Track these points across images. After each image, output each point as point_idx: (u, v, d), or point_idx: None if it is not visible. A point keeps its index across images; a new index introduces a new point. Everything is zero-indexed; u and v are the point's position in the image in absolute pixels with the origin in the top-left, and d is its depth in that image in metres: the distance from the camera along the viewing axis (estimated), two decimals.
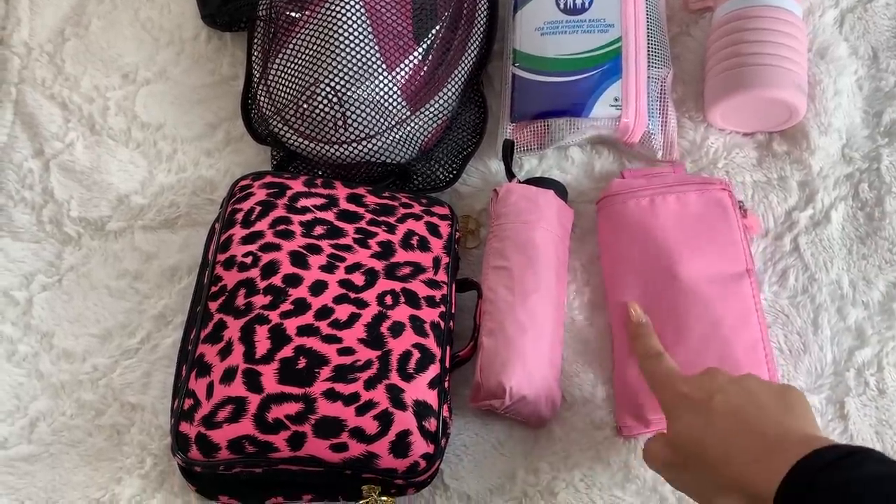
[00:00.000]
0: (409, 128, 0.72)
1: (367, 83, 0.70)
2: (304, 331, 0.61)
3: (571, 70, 0.72)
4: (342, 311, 0.62)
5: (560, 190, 0.72)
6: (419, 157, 0.74)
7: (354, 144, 0.71)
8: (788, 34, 0.70)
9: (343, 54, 0.69)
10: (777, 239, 0.71)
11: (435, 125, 0.73)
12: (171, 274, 0.74)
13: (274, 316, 0.61)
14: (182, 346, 0.66)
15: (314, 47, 0.70)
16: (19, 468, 0.67)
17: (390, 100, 0.71)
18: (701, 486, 0.52)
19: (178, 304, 0.72)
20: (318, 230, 0.67)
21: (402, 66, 0.71)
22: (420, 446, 0.59)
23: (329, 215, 0.68)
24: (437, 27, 0.73)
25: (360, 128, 0.70)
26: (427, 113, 0.72)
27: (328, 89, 0.69)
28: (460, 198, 0.76)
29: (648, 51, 0.73)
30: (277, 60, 0.72)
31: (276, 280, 0.63)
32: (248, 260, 0.64)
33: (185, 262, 0.74)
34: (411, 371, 0.61)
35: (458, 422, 0.67)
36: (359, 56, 0.70)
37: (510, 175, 0.72)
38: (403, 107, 0.71)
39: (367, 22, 0.70)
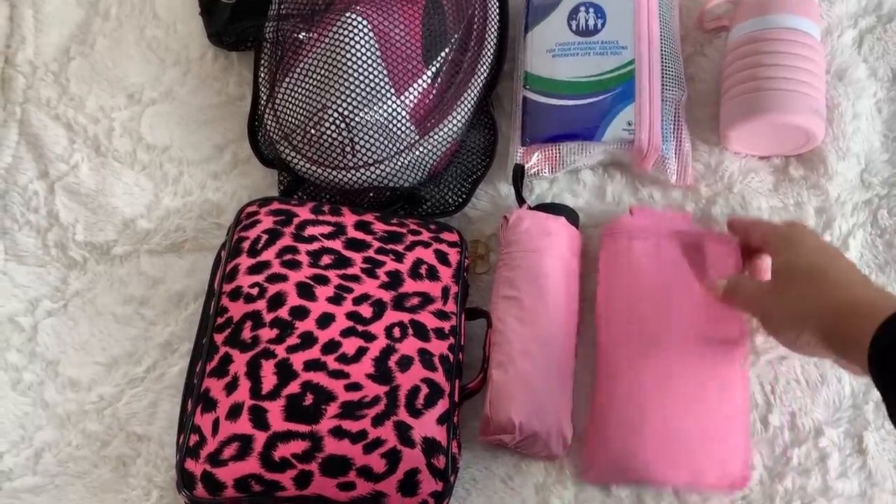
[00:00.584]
0: (417, 152, 0.71)
1: (375, 108, 0.69)
2: (311, 366, 0.60)
3: (584, 93, 0.71)
4: (350, 345, 0.61)
5: (571, 216, 0.70)
6: (428, 180, 0.73)
7: (363, 170, 0.70)
8: (806, 57, 0.68)
9: (351, 79, 0.68)
10: None
11: (444, 149, 0.72)
12: (178, 300, 0.73)
13: (280, 350, 0.60)
14: (188, 378, 0.65)
15: (322, 71, 0.69)
16: (25, 500, 0.66)
17: (399, 124, 0.70)
18: (802, 307, 0.57)
19: (185, 331, 0.72)
20: (326, 260, 0.66)
21: (411, 89, 0.70)
22: (429, 484, 0.58)
23: (337, 244, 0.67)
24: (447, 49, 0.72)
25: (369, 153, 0.69)
26: (436, 137, 0.71)
27: (336, 115, 0.68)
28: (470, 222, 0.75)
29: (662, 72, 0.71)
30: (285, 84, 0.71)
31: (283, 313, 0.62)
32: (255, 291, 0.63)
33: (191, 288, 0.73)
34: (420, 407, 0.60)
35: (466, 455, 0.66)
36: (367, 80, 0.68)
37: (520, 201, 0.71)
38: (412, 131, 0.70)
39: (376, 45, 0.69)
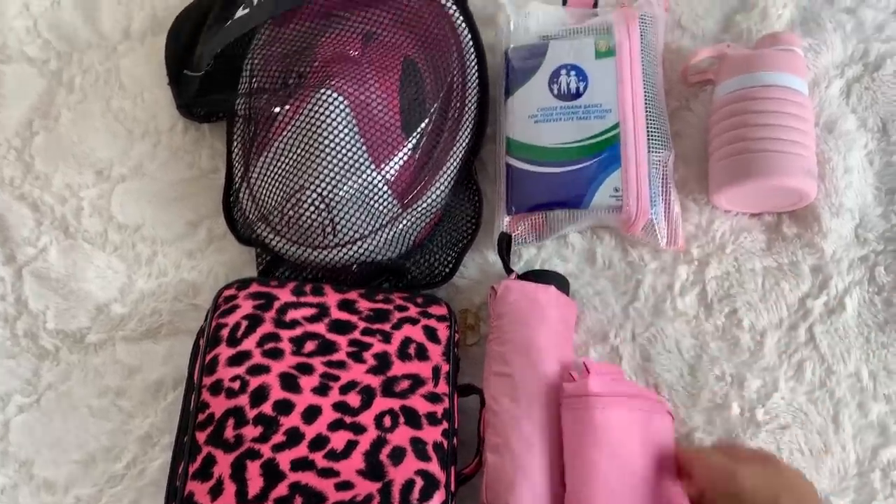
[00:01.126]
0: (401, 225, 0.68)
1: (354, 184, 0.66)
2: (299, 465, 0.57)
3: (568, 160, 0.69)
4: (338, 440, 0.59)
5: (561, 283, 0.68)
6: (413, 251, 0.71)
7: (345, 248, 0.67)
8: (795, 115, 0.67)
9: (329, 157, 0.66)
10: (791, 329, 0.68)
11: (428, 219, 0.70)
12: (156, 389, 0.70)
13: (266, 449, 0.58)
14: (170, 479, 0.62)
15: (298, 151, 0.67)
16: None
17: (380, 198, 0.67)
18: None
19: (165, 422, 0.69)
20: (310, 346, 0.63)
21: (392, 162, 0.68)
22: None
23: (320, 327, 0.64)
24: (427, 120, 0.69)
25: (351, 230, 0.67)
26: (419, 208, 0.69)
27: (314, 195, 0.66)
28: (458, 291, 0.72)
29: (648, 134, 0.69)
30: (260, 163, 0.69)
31: (267, 408, 0.59)
32: (236, 385, 0.60)
33: (169, 376, 0.70)
34: (415, 502, 0.57)
35: None
36: (345, 157, 0.66)
37: (508, 271, 0.68)
38: (394, 204, 0.68)
39: (353, 122, 0.67)
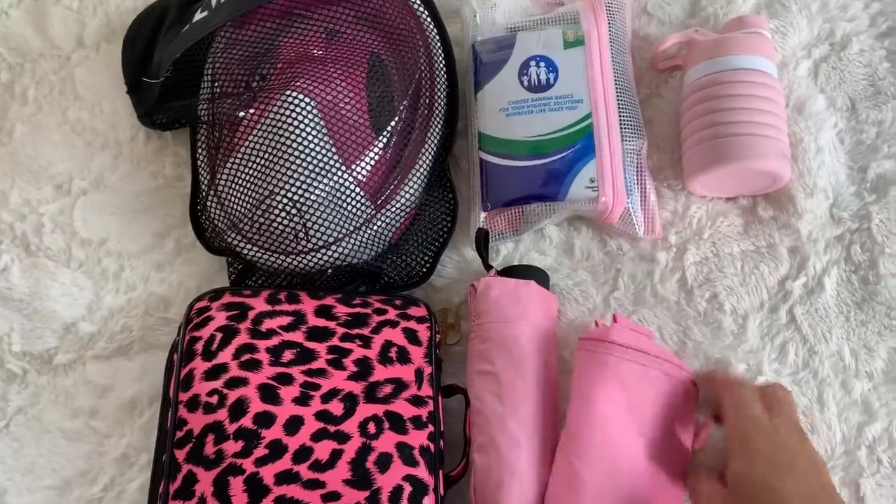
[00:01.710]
0: (375, 226, 0.67)
1: (325, 186, 0.64)
2: (283, 478, 0.56)
3: (542, 152, 0.68)
4: (322, 450, 0.57)
5: (541, 278, 0.68)
6: (388, 252, 0.69)
7: (319, 252, 0.65)
8: (765, 97, 0.66)
9: (298, 161, 0.64)
10: (772, 312, 0.68)
11: (402, 219, 0.68)
12: (131, 408, 0.68)
13: (248, 464, 0.56)
14: (150, 500, 0.60)
15: (265, 154, 0.65)
16: None
17: (352, 200, 0.66)
18: None
19: (142, 441, 0.67)
20: (288, 355, 0.61)
21: (363, 162, 0.66)
22: None
23: (298, 336, 0.63)
24: (396, 118, 0.68)
25: (324, 234, 0.65)
26: (393, 208, 0.67)
27: (285, 200, 0.64)
28: (436, 291, 0.71)
29: (621, 123, 0.69)
30: (227, 169, 0.67)
31: (247, 421, 0.57)
32: (214, 399, 0.58)
33: (144, 393, 0.68)
34: None
35: None
36: (315, 160, 0.64)
37: (487, 267, 0.67)
38: (367, 206, 0.66)
39: (321, 123, 0.65)
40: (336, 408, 0.59)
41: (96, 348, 0.70)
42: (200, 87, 0.70)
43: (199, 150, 0.70)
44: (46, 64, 0.79)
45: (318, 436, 0.58)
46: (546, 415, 0.63)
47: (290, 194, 0.64)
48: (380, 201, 0.67)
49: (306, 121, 0.64)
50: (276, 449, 0.57)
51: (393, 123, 0.68)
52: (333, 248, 0.66)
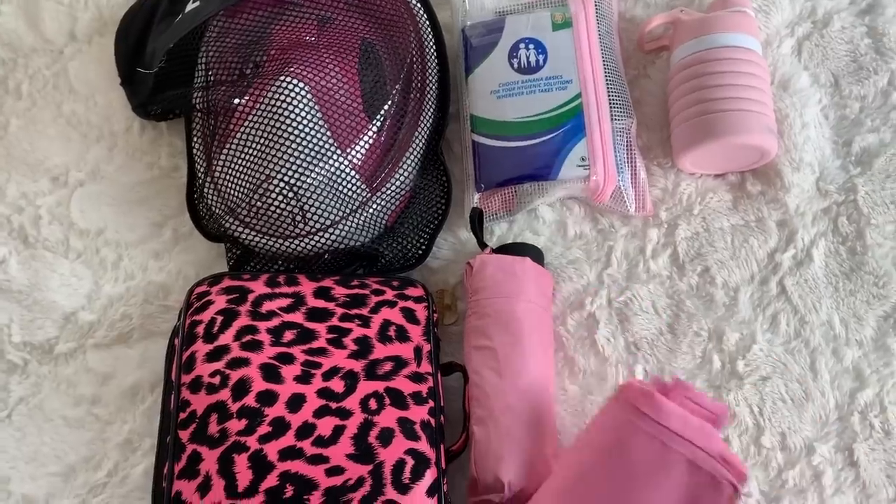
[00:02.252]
0: (371, 209, 0.68)
1: (321, 170, 0.65)
2: (287, 454, 0.56)
3: (534, 133, 0.69)
4: (325, 426, 0.58)
5: (536, 255, 0.69)
6: (385, 234, 0.70)
7: (317, 235, 0.66)
8: (751, 74, 0.68)
9: (294, 145, 0.65)
10: (763, 284, 0.69)
11: (397, 202, 0.70)
12: (133, 394, 0.69)
13: (252, 441, 0.57)
14: (155, 481, 0.61)
15: (262, 140, 0.66)
16: None
17: (348, 183, 0.67)
18: None
19: (144, 426, 0.67)
20: (288, 335, 0.62)
21: (358, 146, 0.67)
22: None
23: (297, 317, 0.63)
24: (389, 102, 0.69)
25: (321, 217, 0.66)
26: (388, 191, 0.68)
27: (282, 183, 0.65)
28: (432, 272, 0.72)
29: (610, 102, 0.70)
30: (223, 155, 0.67)
31: (250, 400, 0.58)
32: (216, 380, 0.59)
33: (146, 379, 0.69)
34: (407, 481, 0.57)
35: None
36: (310, 144, 0.65)
37: (482, 245, 0.68)
38: (363, 189, 0.67)
39: (316, 107, 0.66)
40: (337, 385, 0.60)
41: (96, 337, 0.70)
42: (194, 77, 0.71)
43: (195, 139, 0.71)
44: (39, 59, 0.80)
45: (320, 412, 0.58)
46: (544, 387, 0.64)
47: (286, 178, 0.65)
48: (375, 184, 0.68)
49: (301, 105, 0.65)
50: (280, 426, 0.57)
51: (386, 107, 0.69)
52: (330, 230, 0.67)
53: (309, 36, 0.70)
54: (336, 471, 0.56)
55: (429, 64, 0.72)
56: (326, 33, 0.70)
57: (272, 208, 0.65)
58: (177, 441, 0.58)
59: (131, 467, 0.66)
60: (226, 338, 0.61)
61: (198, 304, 0.63)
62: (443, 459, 0.60)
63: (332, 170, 0.66)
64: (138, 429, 0.67)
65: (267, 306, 0.63)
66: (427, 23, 0.72)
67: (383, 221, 0.69)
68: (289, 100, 0.65)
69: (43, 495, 0.65)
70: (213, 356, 0.60)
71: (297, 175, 0.65)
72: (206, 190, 0.69)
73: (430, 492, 0.57)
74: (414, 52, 0.71)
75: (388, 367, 0.62)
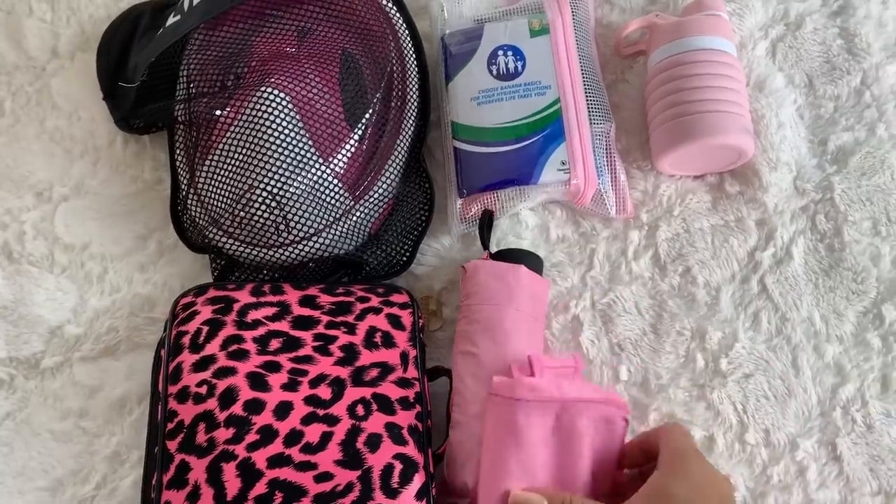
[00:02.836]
0: (355, 217, 0.68)
1: (304, 179, 0.66)
2: (276, 461, 0.57)
3: (514, 138, 0.70)
4: (313, 433, 0.58)
5: (534, 262, 0.68)
6: (368, 242, 0.71)
7: (300, 244, 0.67)
8: (727, 75, 0.69)
9: (276, 155, 0.65)
10: (744, 282, 0.70)
11: (380, 209, 0.70)
12: (120, 406, 0.69)
13: (240, 450, 0.57)
14: (144, 492, 0.61)
15: (243, 150, 0.66)
16: None
17: (331, 192, 0.67)
18: None
19: (132, 438, 0.67)
20: (274, 344, 0.62)
21: (340, 154, 0.68)
22: None
23: (283, 325, 0.64)
24: (371, 111, 0.70)
25: (304, 226, 0.66)
26: (371, 199, 0.69)
27: (265, 193, 0.65)
28: (417, 279, 0.73)
29: (589, 107, 0.71)
30: (206, 167, 0.68)
31: (237, 409, 0.58)
32: (203, 390, 0.59)
33: (133, 392, 0.69)
34: (395, 486, 0.57)
35: None
36: (292, 153, 0.66)
37: (485, 247, 0.69)
38: (345, 197, 0.68)
39: (297, 117, 0.66)
40: (324, 392, 0.60)
41: (83, 350, 0.70)
42: (176, 90, 0.71)
43: (178, 151, 0.72)
44: (22, 76, 0.80)
45: (307, 419, 0.59)
46: None
47: (269, 187, 0.65)
48: (358, 192, 0.69)
49: (282, 115, 0.66)
50: (267, 434, 0.58)
51: (367, 116, 0.70)
52: (314, 239, 0.67)
53: (289, 47, 0.71)
54: (325, 477, 0.56)
55: (409, 73, 0.73)
56: (306, 44, 0.71)
57: (255, 218, 0.66)
58: (165, 451, 0.58)
59: (119, 479, 0.66)
60: (212, 347, 0.61)
61: (183, 314, 0.64)
62: (431, 464, 0.60)
63: (315, 179, 0.66)
64: (126, 441, 0.67)
65: (252, 315, 0.64)
66: (406, 32, 0.73)
67: (367, 229, 0.70)
68: (270, 110, 0.66)
69: None
70: (199, 366, 0.60)
71: (279, 184, 0.65)
72: (189, 201, 0.69)
73: (419, 496, 0.58)
74: (394, 62, 0.72)
75: (374, 373, 0.62)
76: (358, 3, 0.72)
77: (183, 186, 0.70)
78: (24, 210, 0.75)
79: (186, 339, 0.62)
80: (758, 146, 0.72)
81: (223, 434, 0.57)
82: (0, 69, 0.80)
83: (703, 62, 0.69)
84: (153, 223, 0.75)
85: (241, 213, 0.66)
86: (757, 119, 0.73)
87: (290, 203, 0.66)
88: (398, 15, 0.73)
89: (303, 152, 0.66)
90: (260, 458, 0.57)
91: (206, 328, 0.62)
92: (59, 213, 0.75)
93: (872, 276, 0.69)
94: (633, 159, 0.74)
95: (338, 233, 0.68)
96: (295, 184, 0.66)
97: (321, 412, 0.59)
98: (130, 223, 0.75)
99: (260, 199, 0.65)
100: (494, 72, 0.72)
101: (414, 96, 0.72)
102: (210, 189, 0.68)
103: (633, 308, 0.70)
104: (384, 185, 0.70)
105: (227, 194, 0.66)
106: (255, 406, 0.59)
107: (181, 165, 0.71)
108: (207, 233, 0.68)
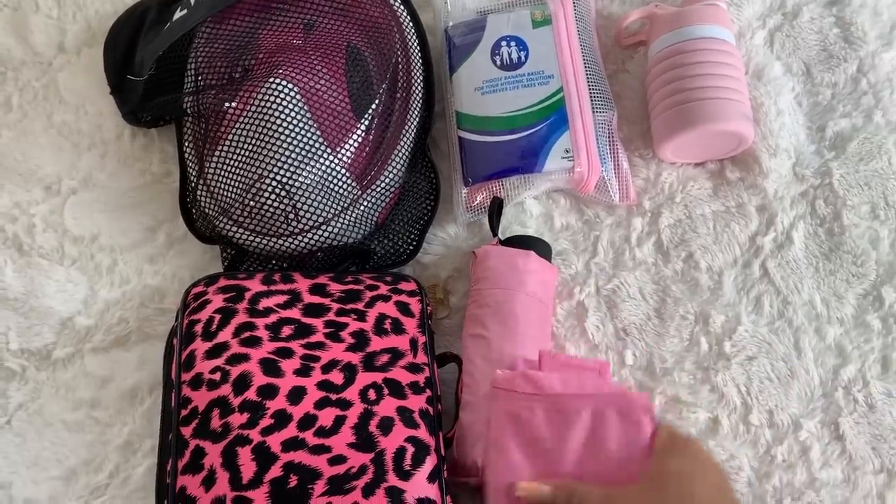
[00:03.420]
0: (362, 207, 0.69)
1: (313, 169, 0.67)
2: (290, 445, 0.57)
3: (518, 127, 0.71)
4: (326, 417, 0.59)
5: (543, 249, 0.69)
6: (375, 232, 0.72)
7: (309, 234, 0.68)
8: (726, 63, 0.70)
9: (285, 144, 0.66)
10: (746, 267, 0.71)
11: (387, 199, 0.71)
12: (132, 396, 0.69)
13: (255, 434, 0.58)
14: (159, 479, 0.61)
15: (253, 141, 0.67)
16: None
17: (339, 181, 0.68)
18: None
19: (144, 427, 0.68)
20: (286, 331, 0.63)
21: (347, 145, 0.69)
22: None
23: (294, 312, 0.64)
24: (377, 101, 0.71)
25: (313, 216, 0.67)
26: (378, 188, 0.70)
27: (274, 182, 0.66)
28: (424, 268, 0.74)
29: (591, 96, 0.72)
30: (215, 158, 0.69)
31: (251, 394, 0.59)
32: (217, 376, 0.60)
33: (144, 381, 0.70)
34: (408, 468, 0.58)
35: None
36: (301, 143, 0.66)
37: (494, 234, 0.70)
38: (353, 186, 0.69)
39: (305, 107, 0.67)
40: (336, 377, 0.61)
41: (94, 341, 0.71)
42: (184, 83, 0.72)
43: (186, 143, 0.72)
44: (29, 71, 0.80)
45: (320, 404, 0.59)
46: None
47: (278, 177, 0.66)
48: (365, 182, 0.70)
49: (291, 105, 0.67)
50: (281, 418, 0.58)
51: (373, 107, 0.71)
52: (322, 228, 0.68)
53: (296, 39, 0.71)
54: (338, 460, 0.57)
55: (413, 64, 0.74)
56: (312, 37, 0.72)
57: (265, 207, 0.66)
58: (179, 438, 0.59)
59: (132, 468, 0.67)
60: (225, 335, 0.62)
61: (195, 304, 0.64)
62: (442, 446, 0.61)
63: (324, 168, 0.67)
64: (138, 430, 0.68)
65: (264, 303, 0.64)
66: (411, 25, 0.74)
67: (374, 218, 0.71)
68: (279, 100, 0.67)
69: (45, 499, 0.66)
70: (212, 353, 0.61)
71: (288, 174, 0.66)
72: (198, 192, 0.70)
73: (431, 478, 0.58)
74: (399, 54, 0.73)
75: (385, 358, 0.63)
76: None
77: (192, 178, 0.71)
78: (34, 203, 0.76)
79: (199, 328, 0.62)
80: (757, 133, 0.73)
81: (238, 419, 0.58)
82: (7, 65, 0.81)
83: (703, 51, 0.70)
84: (162, 215, 0.75)
85: (251, 203, 0.67)
86: (756, 107, 0.74)
87: (299, 192, 0.67)
88: (402, 7, 0.74)
89: (311, 142, 0.67)
90: (274, 441, 0.57)
91: (218, 316, 0.63)
92: (68, 206, 0.76)
93: (872, 259, 0.71)
94: (634, 148, 0.75)
95: (346, 222, 0.69)
96: (304, 173, 0.66)
97: (334, 397, 0.60)
98: (139, 215, 0.75)
99: (269, 189, 0.66)
100: (498, 62, 0.73)
101: (419, 87, 0.73)
102: (220, 179, 0.68)
103: (637, 293, 0.71)
104: (390, 175, 0.70)
105: (236, 184, 0.67)
106: (268, 391, 0.59)
107: (190, 157, 0.72)
108: (217, 223, 0.69)
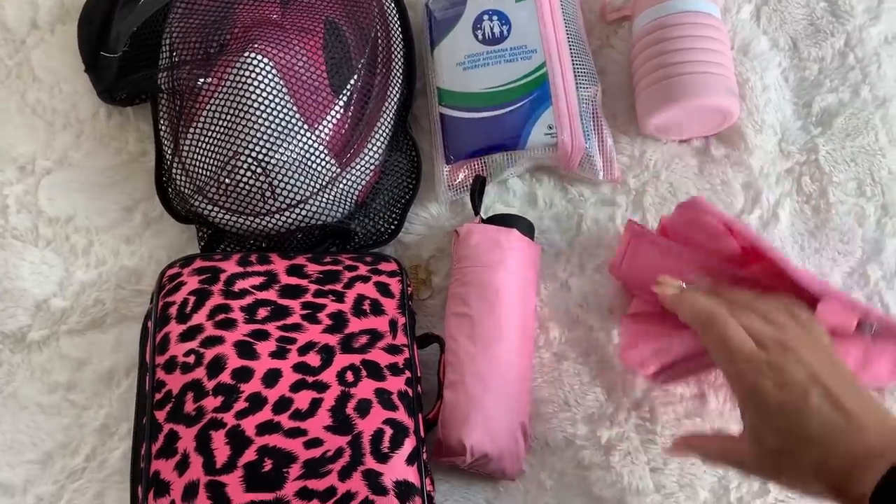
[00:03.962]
0: (341, 185, 0.68)
1: (290, 146, 0.65)
2: (265, 428, 0.57)
3: (500, 103, 0.69)
4: (302, 399, 0.58)
5: (525, 227, 0.68)
6: (355, 211, 0.71)
7: (287, 212, 0.66)
8: (711, 38, 0.69)
9: (260, 120, 0.65)
10: None
11: (367, 177, 0.70)
12: (108, 378, 0.68)
13: (229, 418, 0.57)
14: (133, 463, 0.61)
15: (227, 116, 0.65)
16: None
17: (317, 159, 0.67)
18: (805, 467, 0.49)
19: (121, 410, 0.67)
20: (262, 313, 0.62)
21: (325, 121, 0.67)
22: None
23: (271, 294, 0.63)
24: (355, 77, 0.69)
25: (290, 194, 0.66)
26: (357, 166, 0.69)
27: (250, 160, 0.65)
28: (406, 248, 0.73)
29: (575, 71, 0.70)
30: (189, 135, 0.67)
31: (225, 377, 0.58)
32: (191, 359, 0.59)
33: (121, 364, 0.69)
34: (386, 450, 0.57)
35: (442, 486, 0.64)
36: (277, 119, 0.65)
37: (476, 213, 0.69)
38: (332, 164, 0.67)
39: (281, 83, 0.66)
40: (313, 359, 0.60)
41: (69, 323, 0.70)
42: (159, 58, 0.71)
43: (161, 120, 0.71)
44: (1, 49, 0.79)
45: (296, 386, 0.59)
46: (517, 357, 0.65)
47: (254, 154, 0.65)
48: (344, 160, 0.68)
49: (266, 80, 0.65)
50: (256, 401, 0.57)
51: (352, 82, 0.69)
52: (300, 207, 0.67)
53: (273, 14, 0.70)
54: (315, 443, 0.56)
55: (393, 40, 0.72)
56: (289, 12, 0.70)
57: (241, 185, 0.65)
58: (153, 421, 0.58)
59: (109, 452, 0.66)
60: (199, 317, 0.61)
61: (170, 285, 0.63)
62: (422, 428, 0.61)
63: (301, 145, 0.66)
64: (115, 413, 0.67)
65: (239, 285, 0.63)
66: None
67: (354, 197, 0.70)
68: (254, 75, 0.65)
69: (21, 482, 0.65)
70: (186, 336, 0.60)
71: (264, 150, 0.65)
72: (174, 171, 0.69)
73: (410, 460, 0.58)
74: (378, 29, 0.72)
75: (363, 340, 0.62)
76: None
77: (167, 156, 0.70)
78: (7, 184, 0.74)
79: (173, 310, 0.61)
80: (743, 109, 0.72)
81: (211, 402, 0.57)
82: None
83: (688, 24, 0.69)
84: (138, 195, 0.74)
85: (227, 181, 0.65)
86: (742, 82, 0.73)
87: (276, 170, 0.65)
88: None
89: (287, 118, 0.66)
90: (249, 425, 0.56)
91: (192, 298, 0.62)
92: (43, 186, 0.74)
93: (857, 237, 0.70)
94: (619, 124, 0.74)
95: (324, 201, 0.67)
96: (280, 150, 0.65)
97: (310, 379, 0.59)
98: (115, 195, 0.74)
99: (245, 166, 0.65)
100: (480, 36, 0.71)
101: (399, 63, 0.72)
102: (195, 157, 0.67)
103: None
104: (371, 153, 0.69)
105: (212, 162, 0.66)
106: (243, 374, 0.58)
107: (165, 135, 0.70)
108: (193, 202, 0.68)
